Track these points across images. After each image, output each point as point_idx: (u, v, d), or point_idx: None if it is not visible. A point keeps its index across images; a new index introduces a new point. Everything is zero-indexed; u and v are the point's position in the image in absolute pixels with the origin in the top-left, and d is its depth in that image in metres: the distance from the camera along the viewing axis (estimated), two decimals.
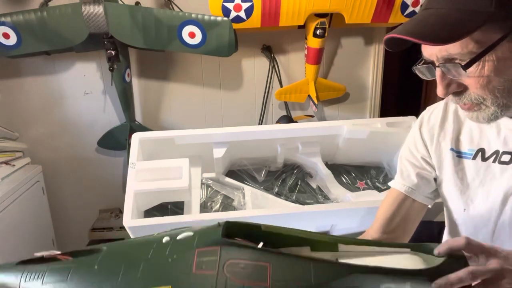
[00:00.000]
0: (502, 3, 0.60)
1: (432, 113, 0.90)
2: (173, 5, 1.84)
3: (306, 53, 1.93)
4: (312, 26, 1.79)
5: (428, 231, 1.01)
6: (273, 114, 2.18)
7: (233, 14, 1.72)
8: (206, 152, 1.52)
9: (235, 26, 1.73)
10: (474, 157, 0.81)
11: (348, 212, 1.28)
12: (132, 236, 1.22)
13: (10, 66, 1.94)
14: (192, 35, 1.72)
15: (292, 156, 1.63)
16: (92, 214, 2.22)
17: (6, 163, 1.82)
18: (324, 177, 1.55)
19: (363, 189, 1.56)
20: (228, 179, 1.55)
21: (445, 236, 0.93)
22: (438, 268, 0.54)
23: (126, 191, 1.31)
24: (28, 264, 0.62)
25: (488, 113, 0.68)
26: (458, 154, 0.83)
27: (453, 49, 0.63)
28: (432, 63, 0.69)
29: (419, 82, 2.56)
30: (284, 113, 2.16)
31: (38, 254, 0.63)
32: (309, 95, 2.03)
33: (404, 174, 0.91)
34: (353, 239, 0.65)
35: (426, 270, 0.54)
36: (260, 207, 1.44)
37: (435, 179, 0.89)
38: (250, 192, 1.50)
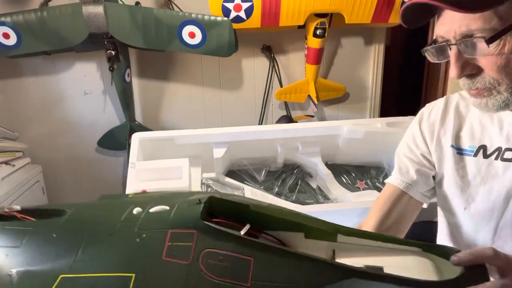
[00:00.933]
0: None
1: (432, 109, 0.88)
2: (173, 5, 1.84)
3: (306, 53, 1.93)
4: (312, 26, 1.79)
5: (428, 231, 1.00)
6: (273, 114, 2.18)
7: (233, 14, 1.72)
8: (206, 152, 1.52)
9: (235, 26, 1.73)
10: (475, 154, 0.79)
11: (348, 212, 1.28)
12: None
13: (10, 66, 1.94)
14: (192, 35, 1.72)
15: (292, 156, 1.63)
16: None
17: (6, 163, 1.82)
18: (324, 177, 1.55)
19: (363, 189, 1.56)
20: (228, 179, 1.55)
21: (442, 237, 0.92)
22: (456, 281, 0.47)
23: (126, 191, 1.31)
24: None
25: (499, 100, 0.65)
26: (459, 151, 0.82)
27: (475, 24, 0.60)
28: (447, 42, 0.66)
29: (419, 82, 2.56)
30: (284, 113, 2.16)
31: None
32: (309, 95, 2.03)
33: (402, 170, 0.89)
34: (355, 230, 0.57)
35: (443, 283, 0.47)
36: None
37: (433, 177, 0.88)
38: (250, 192, 1.50)
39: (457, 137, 0.82)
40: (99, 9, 1.64)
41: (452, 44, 0.65)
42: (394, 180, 0.89)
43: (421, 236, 0.96)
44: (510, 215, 0.76)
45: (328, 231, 0.57)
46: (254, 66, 2.09)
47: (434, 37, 0.69)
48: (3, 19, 1.64)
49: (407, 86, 2.92)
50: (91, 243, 0.48)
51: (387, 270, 0.51)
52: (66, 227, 0.51)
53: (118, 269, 0.46)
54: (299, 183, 1.59)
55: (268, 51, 2.04)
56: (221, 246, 0.48)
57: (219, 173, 1.56)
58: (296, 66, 2.09)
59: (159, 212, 0.52)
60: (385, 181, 0.93)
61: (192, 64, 2.05)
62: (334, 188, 1.52)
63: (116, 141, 2.05)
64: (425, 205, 0.91)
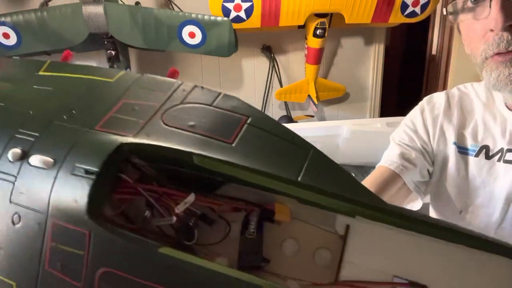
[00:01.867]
0: None
1: (435, 104, 0.83)
2: (173, 5, 1.84)
3: (306, 53, 1.93)
4: (312, 26, 1.79)
5: None
6: (273, 114, 2.18)
7: (233, 14, 1.72)
8: None
9: (235, 26, 1.73)
10: (477, 155, 0.76)
11: None
12: None
13: None
14: (192, 35, 1.72)
15: None
16: None
17: None
18: None
19: None
20: None
21: None
22: None
23: None
24: None
25: None
26: (461, 149, 0.78)
27: None
28: None
29: (419, 82, 2.56)
30: (284, 113, 2.16)
31: None
32: (309, 95, 2.03)
33: (396, 153, 0.82)
34: (391, 209, 0.34)
35: None
36: None
37: (428, 172, 0.83)
38: None
39: (460, 135, 0.78)
40: (99, 9, 1.64)
41: None
42: (386, 162, 0.82)
43: None
44: (509, 224, 0.72)
45: (334, 208, 0.37)
46: (254, 66, 2.09)
47: None
48: (3, 19, 1.64)
49: (407, 86, 2.92)
50: None
51: None
52: None
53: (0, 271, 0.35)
54: None
55: (268, 51, 2.04)
56: (129, 265, 0.32)
57: None
58: (296, 66, 2.09)
59: (39, 173, 0.35)
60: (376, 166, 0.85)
61: (192, 64, 2.05)
62: None
63: None
64: (418, 206, 0.86)
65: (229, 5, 1.70)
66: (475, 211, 0.76)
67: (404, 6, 1.77)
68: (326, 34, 1.81)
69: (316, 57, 1.89)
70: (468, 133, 0.78)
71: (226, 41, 1.72)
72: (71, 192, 0.33)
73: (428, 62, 2.41)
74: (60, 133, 0.37)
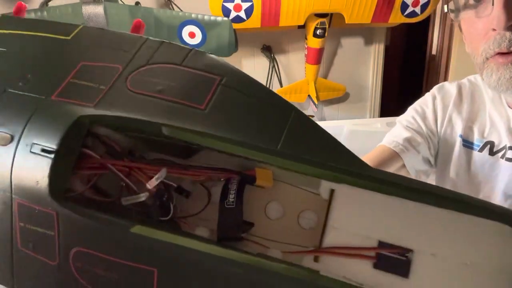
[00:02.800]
0: None
1: (446, 92, 0.82)
2: (173, 5, 1.84)
3: (306, 53, 1.93)
4: (312, 26, 1.79)
5: None
6: None
7: (233, 14, 1.72)
8: None
9: (235, 26, 1.73)
10: (481, 150, 0.75)
11: None
12: None
13: None
14: (192, 35, 1.72)
15: None
16: None
17: None
18: None
19: None
20: None
21: None
22: None
23: None
24: None
25: None
26: (466, 143, 0.77)
27: None
28: None
29: (419, 82, 2.56)
30: None
31: None
32: (309, 95, 2.03)
33: (400, 134, 0.79)
34: (375, 176, 0.33)
35: None
36: None
37: (429, 161, 0.82)
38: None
39: (467, 128, 0.77)
40: (99, 9, 1.64)
41: None
42: (389, 142, 0.79)
43: None
44: None
45: (318, 175, 0.34)
46: (254, 66, 2.09)
47: None
48: None
49: (407, 86, 2.92)
50: None
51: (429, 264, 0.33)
52: None
53: None
54: None
55: (268, 51, 2.04)
56: (101, 245, 0.31)
57: None
58: (296, 66, 2.09)
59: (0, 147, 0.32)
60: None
61: None
62: None
63: None
64: None
65: (229, 5, 1.70)
66: None
67: (404, 6, 1.77)
68: (326, 34, 1.81)
69: (316, 57, 1.89)
70: (475, 127, 0.76)
71: (226, 41, 1.72)
72: (32, 172, 0.31)
73: (428, 62, 2.41)
74: (15, 103, 0.34)
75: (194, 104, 0.34)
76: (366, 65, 2.17)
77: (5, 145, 0.32)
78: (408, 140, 0.79)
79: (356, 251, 0.34)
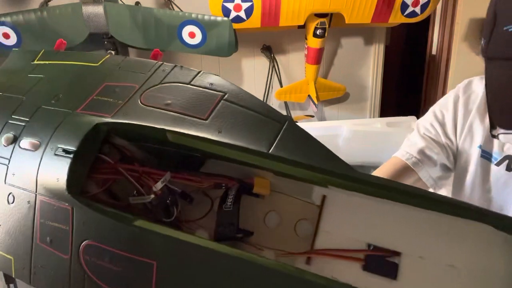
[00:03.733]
0: None
1: (471, 93, 0.76)
2: (173, 5, 1.84)
3: (306, 53, 1.93)
4: (312, 26, 1.79)
5: None
6: None
7: (233, 14, 1.72)
8: None
9: (235, 26, 1.73)
10: (499, 164, 0.71)
11: None
12: None
13: None
14: (192, 35, 1.72)
15: None
16: None
17: None
18: None
19: None
20: None
21: None
22: None
23: None
24: None
25: None
26: (484, 153, 0.73)
27: None
28: None
29: (419, 82, 2.56)
30: (284, 113, 2.16)
31: None
32: (309, 95, 2.03)
33: (414, 145, 0.76)
34: (360, 178, 0.35)
35: None
36: None
37: (448, 167, 0.78)
38: None
39: (488, 138, 0.72)
40: (99, 9, 1.64)
41: None
42: (403, 154, 0.76)
43: None
44: None
45: (308, 179, 0.37)
46: (254, 66, 2.09)
47: None
48: (3, 19, 1.64)
49: (407, 86, 2.92)
50: None
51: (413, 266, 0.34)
52: None
53: None
54: None
55: (268, 51, 2.04)
56: (107, 237, 0.34)
57: None
58: (296, 66, 2.09)
59: (28, 154, 0.38)
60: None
61: (192, 64, 2.05)
62: None
63: None
64: None
65: (229, 5, 1.70)
66: None
67: (404, 6, 1.77)
68: (326, 34, 1.81)
69: (316, 57, 1.89)
70: (496, 140, 0.71)
71: (226, 41, 1.72)
72: (54, 171, 0.36)
73: (428, 62, 2.41)
74: (47, 117, 0.41)
75: (197, 115, 0.38)
76: (366, 65, 2.17)
77: (35, 150, 0.38)
78: (422, 152, 0.76)
79: (345, 253, 0.36)
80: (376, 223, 0.36)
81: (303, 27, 1.85)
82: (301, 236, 0.41)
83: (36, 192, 0.37)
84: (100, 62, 0.48)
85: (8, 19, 1.64)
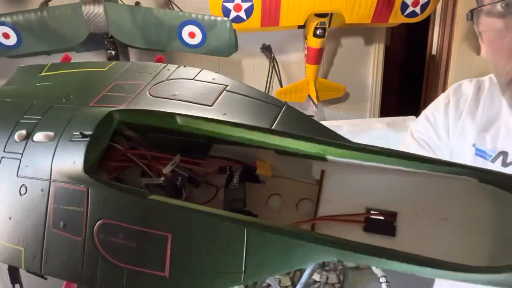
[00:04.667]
0: None
1: (461, 95, 0.77)
2: (173, 5, 1.84)
3: (306, 53, 1.93)
4: (312, 26, 1.79)
5: None
6: None
7: (233, 14, 1.72)
8: None
9: (235, 26, 1.73)
10: (494, 160, 0.70)
11: None
12: None
13: (10, 66, 1.94)
14: (192, 35, 1.72)
15: None
16: None
17: None
18: None
19: None
20: None
21: None
22: None
23: None
24: None
25: None
26: (479, 152, 0.72)
27: None
28: None
29: (419, 82, 2.56)
30: None
31: None
32: (309, 95, 2.03)
33: (404, 143, 0.76)
34: (357, 145, 0.38)
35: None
36: None
37: None
38: None
39: (481, 136, 0.72)
40: (99, 9, 1.64)
41: None
42: None
43: None
44: None
45: (307, 152, 0.40)
46: (254, 66, 2.09)
47: None
48: (3, 19, 1.64)
49: (407, 86, 2.92)
50: None
51: (413, 216, 0.37)
52: None
53: (8, 238, 0.39)
54: None
55: (268, 51, 2.04)
56: (122, 214, 0.35)
57: None
58: (296, 66, 2.09)
59: (42, 146, 0.39)
60: None
61: (192, 64, 2.03)
62: None
63: None
64: None
65: (229, 5, 1.70)
66: None
67: (404, 6, 1.77)
68: (326, 34, 1.81)
69: (316, 57, 1.89)
70: (489, 135, 0.71)
71: (226, 41, 1.72)
72: (70, 155, 0.38)
73: (428, 62, 2.41)
74: (59, 112, 0.43)
75: (203, 102, 0.41)
76: (366, 65, 2.17)
77: (49, 141, 0.39)
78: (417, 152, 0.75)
79: (346, 217, 0.39)
80: (372, 189, 0.39)
81: (303, 27, 1.84)
82: (303, 214, 0.44)
83: (50, 179, 0.38)
84: (108, 67, 0.51)
85: (8, 19, 1.64)
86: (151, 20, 1.68)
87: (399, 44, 2.85)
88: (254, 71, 2.10)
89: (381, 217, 0.38)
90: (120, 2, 1.73)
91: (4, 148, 0.42)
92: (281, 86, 2.07)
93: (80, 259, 0.36)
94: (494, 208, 0.35)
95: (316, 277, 1.53)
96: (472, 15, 0.60)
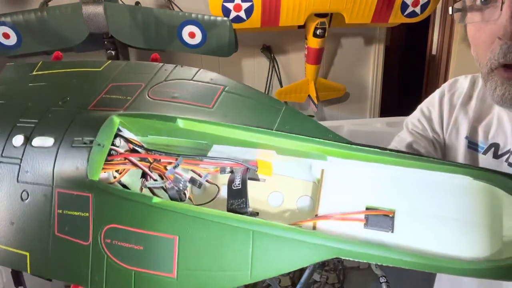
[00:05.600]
0: None
1: (456, 90, 0.78)
2: (173, 5, 1.84)
3: (306, 53, 1.93)
4: (312, 26, 1.79)
5: None
6: None
7: (233, 14, 1.72)
8: None
9: (235, 26, 1.73)
10: (485, 152, 0.71)
11: None
12: None
13: None
14: (192, 35, 1.72)
15: None
16: None
17: None
18: None
19: None
20: None
21: None
22: None
23: None
24: None
25: None
26: (471, 145, 0.74)
27: None
28: None
29: (419, 82, 2.56)
30: None
31: None
32: (309, 95, 2.03)
33: (402, 141, 0.78)
34: (357, 145, 0.39)
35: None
36: None
37: None
38: None
39: (473, 129, 0.73)
40: (99, 9, 1.64)
41: None
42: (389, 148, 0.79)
43: None
44: None
45: (307, 152, 0.40)
46: (254, 66, 2.09)
47: None
48: (3, 19, 1.64)
49: (407, 86, 2.92)
50: None
51: (412, 217, 0.38)
52: None
53: (11, 243, 0.39)
54: None
55: (268, 51, 2.04)
56: (128, 218, 0.35)
57: None
58: (296, 66, 2.09)
59: (42, 151, 0.39)
60: None
61: (192, 64, 2.03)
62: None
63: None
64: None
65: (229, 5, 1.70)
66: None
67: (404, 6, 1.77)
68: (326, 34, 1.81)
69: (316, 57, 1.89)
70: (481, 128, 0.73)
71: (226, 41, 1.72)
72: (72, 161, 0.38)
73: (428, 62, 2.41)
74: (58, 116, 0.42)
75: (203, 104, 0.42)
76: (366, 65, 2.17)
77: (50, 146, 0.39)
78: (410, 146, 0.78)
79: (345, 216, 0.40)
80: (371, 186, 0.40)
81: (303, 27, 1.84)
82: (303, 211, 0.45)
83: (53, 185, 0.38)
84: (103, 67, 0.50)
85: (8, 19, 1.64)
86: (151, 20, 1.68)
87: (399, 44, 2.85)
88: (254, 71, 2.10)
89: (380, 214, 0.40)
90: (120, 2, 1.73)
91: (2, 153, 0.41)
92: (281, 86, 2.07)
93: (87, 263, 0.36)
94: (488, 204, 0.37)
95: (316, 277, 1.53)
96: (453, 9, 0.62)
